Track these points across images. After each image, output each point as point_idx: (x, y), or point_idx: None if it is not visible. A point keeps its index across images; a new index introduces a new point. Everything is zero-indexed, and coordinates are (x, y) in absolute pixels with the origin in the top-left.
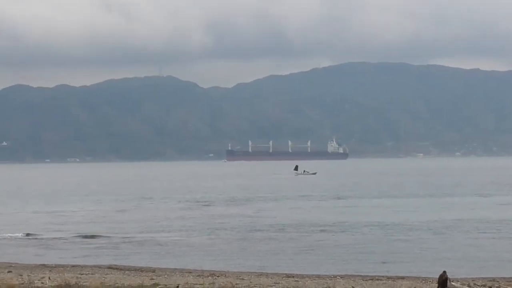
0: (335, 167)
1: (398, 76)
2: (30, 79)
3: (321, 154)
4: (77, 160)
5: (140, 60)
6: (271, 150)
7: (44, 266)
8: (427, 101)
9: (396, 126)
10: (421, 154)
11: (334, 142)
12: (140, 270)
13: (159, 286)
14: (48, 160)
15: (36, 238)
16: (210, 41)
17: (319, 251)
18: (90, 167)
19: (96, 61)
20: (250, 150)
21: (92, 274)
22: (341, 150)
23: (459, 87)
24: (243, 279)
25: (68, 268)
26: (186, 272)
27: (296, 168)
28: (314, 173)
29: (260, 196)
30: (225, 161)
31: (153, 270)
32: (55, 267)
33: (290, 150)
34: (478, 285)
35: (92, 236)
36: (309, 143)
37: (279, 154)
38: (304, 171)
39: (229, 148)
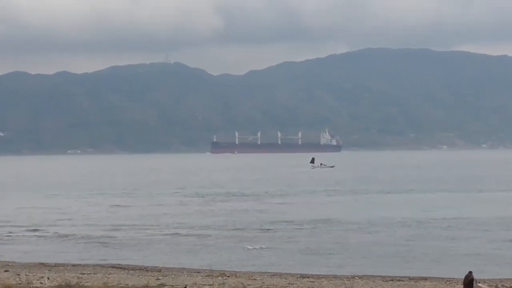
0: (348, 161)
1: (420, 63)
2: (28, 65)
3: (313, 146)
4: (78, 151)
5: (146, 46)
6: (259, 142)
7: (43, 265)
8: (452, 90)
9: (418, 116)
10: (445, 146)
11: (327, 133)
12: (145, 269)
13: (166, 286)
14: (70, 151)
15: (35, 235)
16: (220, 25)
17: (336, 250)
18: (92, 159)
19: (99, 46)
20: (236, 142)
21: (94, 273)
22: (334, 142)
23: (485, 75)
24: (255, 279)
25: (69, 267)
26: (195, 272)
27: (312, 161)
28: (332, 166)
29: (276, 191)
30: (236, 154)
31: (159, 270)
32: (54, 266)
33: (279, 142)
34: (506, 286)
35: (95, 233)
36: (300, 135)
37: (268, 147)
38: (321, 164)
39: (215, 140)
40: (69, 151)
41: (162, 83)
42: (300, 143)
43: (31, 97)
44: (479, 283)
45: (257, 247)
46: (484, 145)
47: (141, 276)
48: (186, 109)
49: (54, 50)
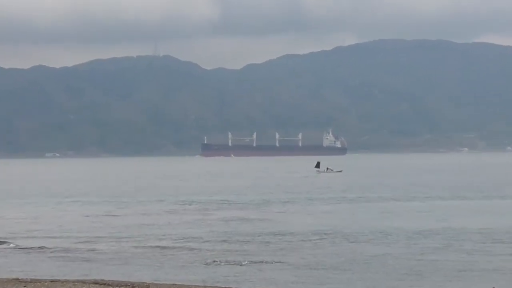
0: (354, 164)
1: (437, 56)
2: (1, 58)
3: (315, 148)
4: (57, 154)
5: (132, 36)
6: (254, 144)
7: (18, 280)
8: (472, 86)
9: (435, 116)
10: (466, 149)
11: (330, 134)
12: (132, 285)
13: None
14: (48, 154)
15: (8, 248)
16: (215, 14)
17: (344, 264)
18: (72, 163)
19: (79, 37)
20: (230, 144)
21: None
22: (338, 144)
23: (510, 69)
24: None
25: (47, 283)
26: None
27: (317, 165)
28: (340, 171)
29: (276, 198)
30: (232, 156)
31: (147, 286)
32: (30, 282)
33: (277, 144)
34: None
35: (75, 245)
36: (300, 136)
37: (265, 149)
38: (327, 168)
39: (205, 142)
40: (47, 154)
41: (150, 78)
42: (300, 145)
43: (4, 94)
44: None
45: (255, 260)
46: (509, 147)
47: None
48: (176, 107)
49: (30, 41)
